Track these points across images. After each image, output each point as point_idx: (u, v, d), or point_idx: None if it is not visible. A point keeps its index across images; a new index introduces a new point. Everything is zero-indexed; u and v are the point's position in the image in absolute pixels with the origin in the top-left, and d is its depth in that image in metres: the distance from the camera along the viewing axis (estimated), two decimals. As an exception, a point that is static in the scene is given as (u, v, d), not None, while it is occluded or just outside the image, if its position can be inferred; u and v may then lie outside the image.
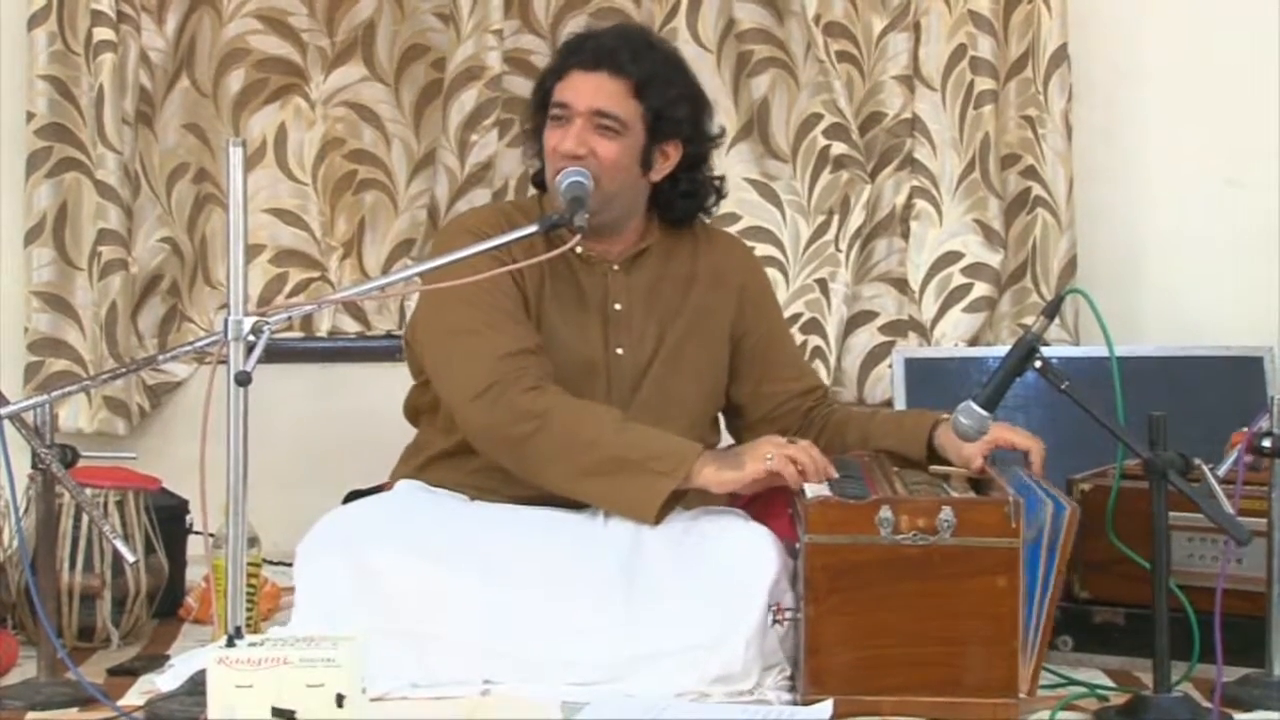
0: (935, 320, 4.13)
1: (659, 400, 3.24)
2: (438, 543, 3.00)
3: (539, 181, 3.29)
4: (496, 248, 3.02)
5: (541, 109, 3.23)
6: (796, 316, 4.10)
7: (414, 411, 3.37)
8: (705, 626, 2.89)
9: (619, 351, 3.25)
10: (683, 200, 3.29)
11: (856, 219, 4.12)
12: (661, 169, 3.24)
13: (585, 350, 3.23)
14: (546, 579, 2.96)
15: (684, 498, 3.06)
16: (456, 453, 3.22)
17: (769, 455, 2.99)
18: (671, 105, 3.19)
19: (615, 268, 3.27)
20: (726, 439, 3.43)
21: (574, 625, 2.91)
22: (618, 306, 3.26)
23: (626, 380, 3.24)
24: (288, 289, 4.17)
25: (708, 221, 3.42)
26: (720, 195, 3.36)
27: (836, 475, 2.98)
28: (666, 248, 3.31)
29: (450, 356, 3.18)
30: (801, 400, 3.38)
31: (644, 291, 3.28)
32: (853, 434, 3.32)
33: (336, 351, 4.20)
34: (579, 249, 3.15)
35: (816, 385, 3.44)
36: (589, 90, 3.17)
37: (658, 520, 3.02)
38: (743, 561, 2.94)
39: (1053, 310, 2.95)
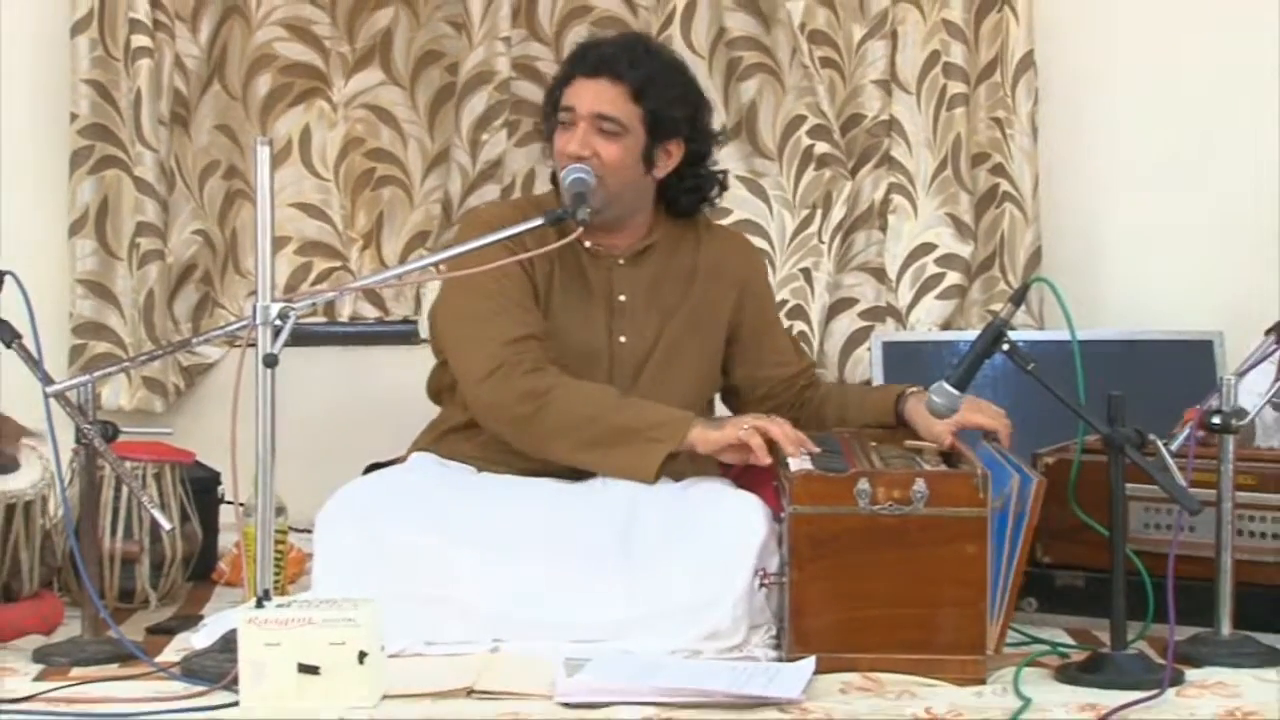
0: (911, 306, 4.14)
1: (657, 388, 3.22)
2: (444, 513, 3.00)
3: (557, 180, 3.30)
4: (504, 239, 3.05)
5: (553, 114, 3.23)
6: (783, 303, 4.10)
7: (436, 391, 3.36)
8: (697, 588, 2.89)
9: (622, 340, 3.25)
10: (687, 195, 3.28)
11: (838, 213, 4.12)
12: (665, 167, 3.23)
13: (589, 338, 3.23)
14: (547, 545, 2.96)
15: (676, 460, 3.07)
16: (470, 426, 3.23)
17: (745, 425, 3.02)
18: (668, 106, 3.18)
19: (621, 261, 3.26)
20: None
21: (573, 587, 2.92)
22: (622, 298, 3.26)
23: (628, 368, 3.24)
24: (311, 277, 4.17)
25: (708, 213, 3.41)
26: (724, 187, 3.35)
27: (816, 449, 2.99)
28: (671, 242, 3.30)
29: (461, 341, 3.19)
30: (791, 383, 3.38)
31: (647, 284, 3.27)
32: (830, 412, 3.34)
33: (357, 335, 4.20)
34: (587, 243, 3.18)
35: (805, 368, 3.43)
36: (591, 95, 3.17)
37: (655, 479, 3.03)
38: (732, 527, 2.95)
39: (1019, 297, 2.95)
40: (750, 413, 3.27)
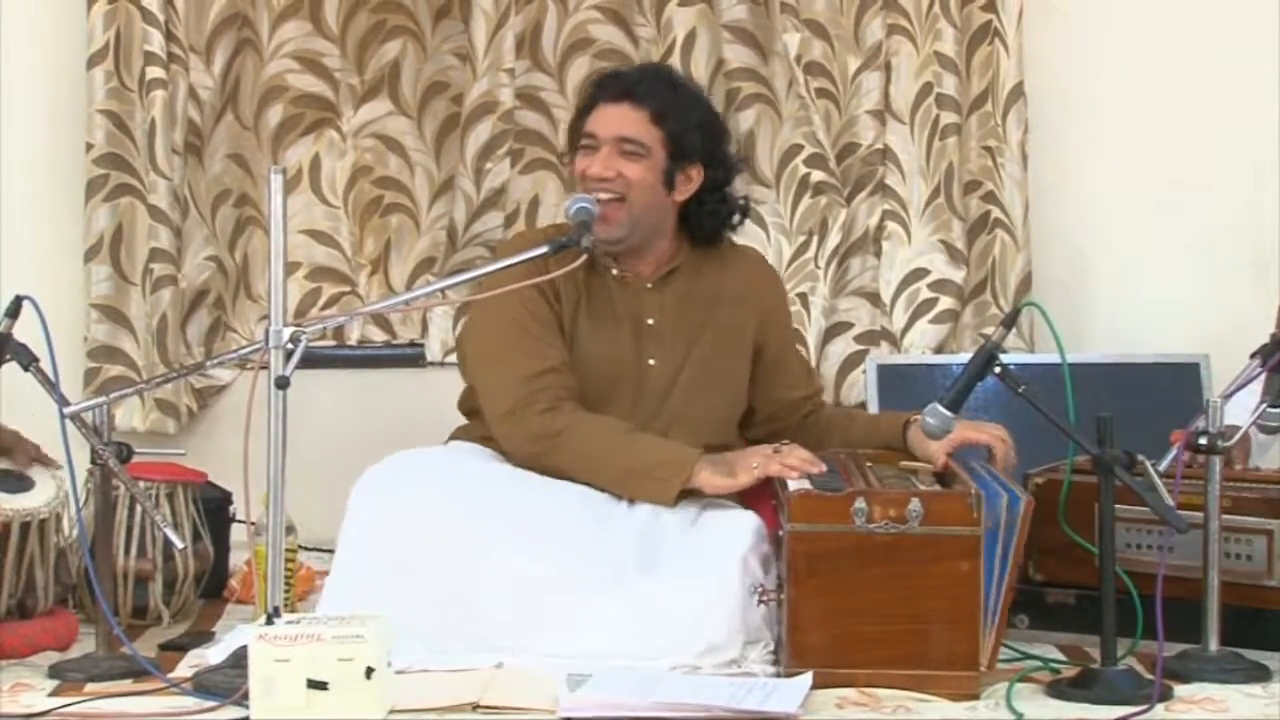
0: (905, 330, 4.14)
1: (685, 408, 3.23)
2: (476, 503, 3.00)
3: None
4: (516, 266, 3.05)
5: (577, 145, 3.26)
6: (780, 327, 4.11)
7: (467, 412, 3.36)
8: (690, 601, 2.89)
9: (651, 362, 3.25)
10: (709, 220, 3.29)
11: (834, 239, 4.13)
12: (684, 190, 3.24)
13: (617, 362, 3.23)
14: (566, 550, 2.96)
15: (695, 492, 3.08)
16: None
17: (755, 465, 3.02)
18: (688, 131, 3.21)
19: (649, 285, 3.26)
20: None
21: (584, 596, 2.92)
22: (650, 321, 3.26)
23: (656, 390, 3.24)
24: (321, 302, 4.17)
25: (734, 240, 3.42)
26: (745, 214, 3.36)
27: (824, 467, 2.99)
28: (695, 266, 3.31)
29: (484, 376, 3.23)
30: (801, 405, 3.38)
31: (675, 307, 3.27)
32: (835, 438, 3.33)
33: (365, 358, 4.20)
34: (614, 270, 3.21)
35: (814, 392, 3.45)
36: (614, 120, 3.20)
37: (675, 503, 3.05)
38: (720, 538, 2.97)
39: (1010, 321, 2.96)
40: (764, 431, 3.32)
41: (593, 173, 3.18)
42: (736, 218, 3.34)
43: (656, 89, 3.22)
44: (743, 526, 2.99)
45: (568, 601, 2.91)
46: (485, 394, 3.22)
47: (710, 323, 3.28)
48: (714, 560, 2.93)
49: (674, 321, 3.26)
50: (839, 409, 3.60)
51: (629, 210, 3.17)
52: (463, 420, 3.38)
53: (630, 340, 3.24)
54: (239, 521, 3.55)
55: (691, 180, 3.24)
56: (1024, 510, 2.81)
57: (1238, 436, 2.94)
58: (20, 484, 3.11)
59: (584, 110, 3.26)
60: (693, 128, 3.22)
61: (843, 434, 3.34)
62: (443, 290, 3.27)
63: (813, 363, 4.08)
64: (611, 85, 3.24)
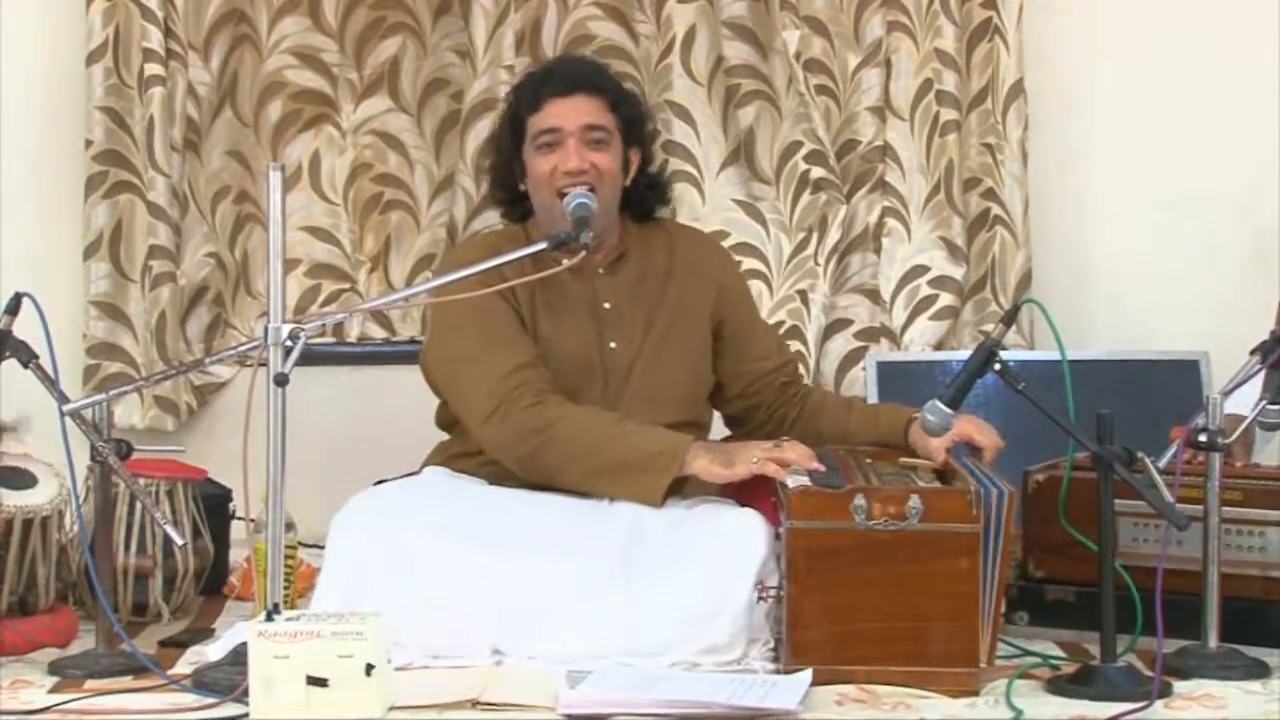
0: (904, 327, 4.14)
1: (650, 386, 3.23)
2: (457, 521, 3.00)
3: (518, 214, 3.31)
4: (496, 269, 3.04)
5: (513, 147, 3.24)
6: (779, 324, 4.11)
7: (446, 425, 3.35)
8: (696, 604, 2.89)
9: (612, 346, 3.25)
10: (648, 192, 3.33)
11: (833, 236, 4.13)
12: (629, 174, 3.29)
13: (581, 349, 3.23)
14: (553, 555, 2.96)
15: (684, 485, 3.07)
16: (480, 451, 3.22)
17: (755, 459, 3.00)
18: (635, 115, 3.27)
19: (601, 271, 3.27)
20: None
21: (577, 597, 2.91)
22: (607, 305, 3.26)
23: (620, 372, 3.24)
24: (321, 299, 4.18)
25: (666, 215, 3.45)
26: (668, 184, 3.41)
27: (823, 468, 2.98)
28: (643, 246, 3.32)
29: (457, 383, 3.20)
30: (775, 376, 3.36)
31: (629, 289, 3.28)
32: (827, 425, 3.32)
33: (365, 356, 4.20)
34: (565, 262, 3.14)
35: (787, 361, 3.42)
36: (574, 111, 3.18)
37: (662, 502, 3.02)
38: (734, 543, 2.95)
39: (1010, 318, 2.96)
40: (739, 408, 3.33)
41: (570, 166, 3.16)
42: (670, 190, 3.40)
43: (602, 77, 3.26)
44: (755, 530, 2.96)
45: (564, 605, 2.91)
46: (463, 401, 3.18)
47: (665, 301, 3.29)
48: (725, 562, 2.92)
49: (630, 303, 3.27)
50: (836, 395, 3.58)
51: (601, 204, 3.16)
52: (440, 438, 3.36)
53: (591, 326, 3.25)
54: (238, 518, 3.55)
55: (632, 163, 3.28)
56: (1007, 503, 2.81)
57: (1239, 430, 2.95)
58: (24, 481, 3.12)
59: (527, 110, 3.21)
60: (637, 111, 3.28)
61: (837, 420, 3.32)
62: (439, 290, 3.27)
63: (812, 360, 4.09)
64: (557, 79, 3.22)
